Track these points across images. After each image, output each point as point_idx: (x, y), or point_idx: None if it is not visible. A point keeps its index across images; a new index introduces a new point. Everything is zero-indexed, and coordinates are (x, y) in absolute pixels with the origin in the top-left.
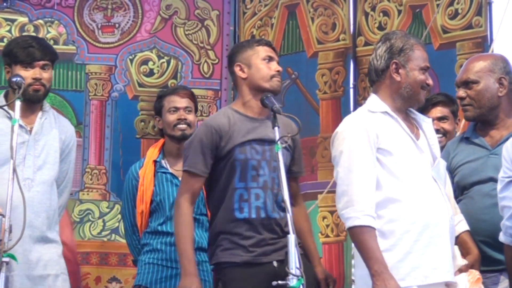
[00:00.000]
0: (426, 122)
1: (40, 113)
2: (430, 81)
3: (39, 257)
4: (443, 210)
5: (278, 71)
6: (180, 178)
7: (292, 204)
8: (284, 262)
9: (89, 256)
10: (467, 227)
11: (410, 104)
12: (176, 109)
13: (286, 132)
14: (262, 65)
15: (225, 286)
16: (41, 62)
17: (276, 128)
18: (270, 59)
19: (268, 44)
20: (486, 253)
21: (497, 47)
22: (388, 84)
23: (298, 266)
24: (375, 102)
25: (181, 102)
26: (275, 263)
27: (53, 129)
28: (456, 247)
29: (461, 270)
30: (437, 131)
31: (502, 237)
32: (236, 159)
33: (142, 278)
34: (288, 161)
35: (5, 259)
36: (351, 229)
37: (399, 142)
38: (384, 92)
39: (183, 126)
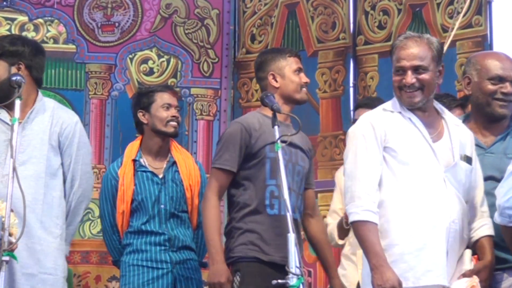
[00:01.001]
0: (456, 125)
1: (30, 109)
2: (406, 80)
3: (24, 253)
4: (443, 213)
5: (306, 82)
6: (160, 176)
7: (310, 216)
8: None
9: (89, 255)
10: (488, 232)
11: (405, 105)
12: (170, 106)
13: (306, 144)
14: (294, 77)
15: (243, 278)
16: None
17: (276, 127)
18: (300, 70)
19: (298, 55)
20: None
21: (496, 46)
22: None
23: (298, 265)
24: (392, 101)
25: (173, 100)
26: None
27: (44, 124)
28: (467, 251)
29: (464, 275)
30: None
31: (498, 218)
32: (267, 156)
33: (128, 281)
34: (306, 165)
35: (5, 257)
36: (353, 224)
37: (407, 143)
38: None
39: (175, 123)
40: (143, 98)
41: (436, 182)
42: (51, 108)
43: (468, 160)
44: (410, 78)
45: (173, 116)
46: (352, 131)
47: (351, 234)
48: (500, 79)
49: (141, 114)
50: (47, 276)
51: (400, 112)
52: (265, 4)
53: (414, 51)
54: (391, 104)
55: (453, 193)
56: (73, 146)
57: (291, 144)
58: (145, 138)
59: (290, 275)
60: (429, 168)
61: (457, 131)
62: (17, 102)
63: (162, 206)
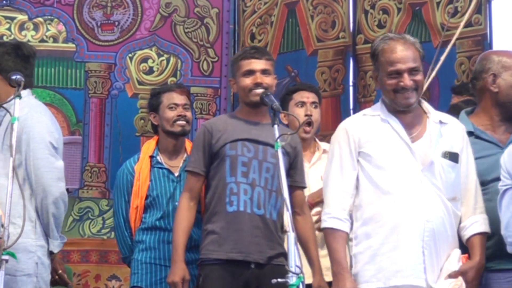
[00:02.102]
0: (443, 123)
1: None
2: (403, 83)
3: None
4: (417, 213)
5: (256, 83)
6: (176, 174)
7: (298, 214)
8: (262, 268)
9: (89, 254)
10: (479, 230)
11: (396, 108)
12: (176, 105)
13: (290, 141)
14: (243, 82)
15: (203, 282)
16: None
17: (275, 126)
18: (249, 72)
19: (251, 56)
20: (507, 251)
21: (496, 45)
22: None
23: (297, 264)
24: (376, 105)
25: (180, 99)
26: (252, 265)
27: (40, 125)
28: (455, 251)
29: (450, 276)
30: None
31: (509, 248)
32: (226, 154)
33: (140, 279)
34: (286, 165)
35: (5, 257)
36: (323, 230)
37: (383, 146)
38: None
39: (182, 122)
40: (152, 100)
41: (411, 183)
42: (14, 107)
43: (453, 156)
44: (408, 80)
45: (179, 116)
46: (332, 137)
47: None
48: None
49: (152, 116)
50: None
51: (379, 115)
52: (265, 3)
53: (407, 53)
54: (371, 109)
55: (431, 192)
56: (21, 143)
57: (257, 141)
58: (160, 139)
59: (290, 274)
60: (405, 170)
61: (437, 128)
62: (17, 101)
63: (177, 203)
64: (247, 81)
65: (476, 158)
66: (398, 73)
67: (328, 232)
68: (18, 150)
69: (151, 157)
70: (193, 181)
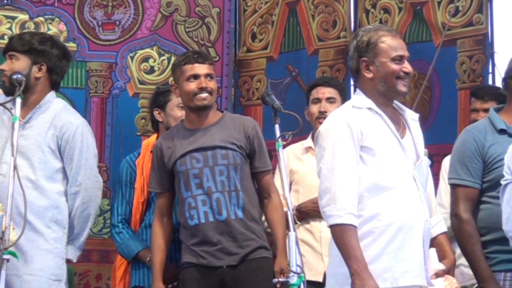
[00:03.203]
0: (413, 120)
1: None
2: (407, 69)
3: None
4: (419, 213)
5: (201, 88)
6: None
7: (265, 197)
8: (236, 267)
9: (90, 253)
10: (444, 229)
11: (391, 97)
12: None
13: (241, 131)
14: (186, 87)
15: (182, 284)
16: (9, 53)
17: (276, 126)
18: (194, 77)
19: (194, 60)
20: None
21: (497, 45)
22: (365, 82)
23: (298, 263)
24: (359, 98)
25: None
26: (224, 267)
27: (42, 126)
28: (433, 250)
29: (437, 275)
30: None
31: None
32: (178, 171)
33: (141, 279)
34: (237, 160)
35: (6, 256)
36: (333, 227)
37: (382, 141)
38: (365, 89)
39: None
40: (160, 97)
41: (408, 181)
42: (55, 110)
43: (429, 155)
44: (410, 67)
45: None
46: (325, 129)
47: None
48: None
49: (156, 112)
50: (29, 277)
51: (369, 109)
52: (266, 3)
53: (402, 42)
54: (358, 100)
55: (421, 190)
56: (73, 150)
57: (204, 148)
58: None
59: (291, 274)
60: (401, 167)
61: (414, 125)
62: (18, 101)
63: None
64: (192, 85)
65: None
66: (400, 59)
67: (344, 229)
68: (65, 154)
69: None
70: (160, 199)
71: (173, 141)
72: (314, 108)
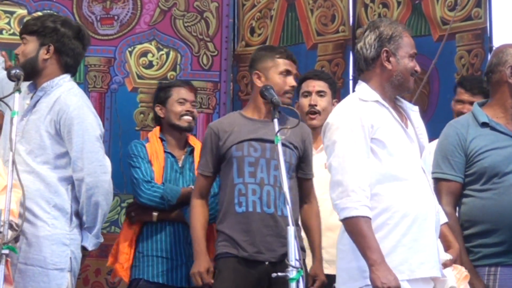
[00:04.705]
0: (413, 111)
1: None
2: (418, 68)
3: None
4: (430, 204)
5: (292, 86)
6: (179, 165)
7: (305, 203)
8: (276, 264)
9: None
10: (445, 219)
11: (400, 91)
12: (185, 101)
13: (299, 134)
14: (278, 80)
15: (219, 273)
16: (22, 36)
17: (275, 120)
18: (288, 73)
19: (289, 57)
20: None
21: (496, 39)
22: (378, 73)
23: (297, 258)
24: (365, 90)
25: (190, 95)
26: (266, 263)
27: (43, 110)
28: (439, 241)
29: (445, 265)
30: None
31: None
32: (233, 156)
33: (141, 272)
34: (292, 160)
35: (5, 251)
36: (348, 220)
37: (392, 133)
38: (374, 81)
39: (189, 118)
40: (161, 92)
41: (418, 172)
42: (59, 93)
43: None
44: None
45: (187, 111)
46: (335, 122)
47: None
48: None
49: (158, 108)
50: (22, 266)
51: (376, 101)
52: None
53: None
54: (365, 93)
55: (431, 181)
56: (71, 134)
57: (264, 140)
58: (164, 130)
59: (290, 268)
60: (411, 158)
61: (414, 116)
62: (16, 95)
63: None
64: (287, 80)
65: (491, 149)
66: (413, 57)
67: (360, 221)
68: (65, 139)
69: (161, 139)
70: (203, 182)
71: (232, 126)
72: (305, 101)
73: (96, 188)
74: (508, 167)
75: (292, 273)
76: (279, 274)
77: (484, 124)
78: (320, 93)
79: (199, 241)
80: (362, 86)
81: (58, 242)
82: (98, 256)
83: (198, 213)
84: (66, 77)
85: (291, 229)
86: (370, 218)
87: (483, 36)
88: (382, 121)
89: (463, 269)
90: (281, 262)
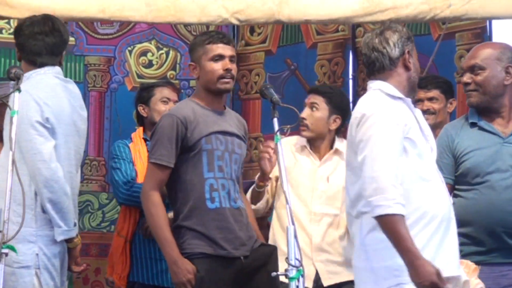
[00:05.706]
0: (418, 112)
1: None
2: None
3: None
4: (450, 204)
5: (226, 69)
6: None
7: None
8: (248, 257)
9: (89, 247)
10: None
11: (414, 92)
12: (168, 100)
13: (243, 129)
14: (209, 67)
15: (200, 277)
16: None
17: (275, 119)
18: (220, 57)
19: (221, 39)
20: (503, 245)
21: (496, 38)
22: (400, 73)
23: (297, 257)
24: (389, 88)
25: (173, 95)
26: (242, 258)
27: (28, 105)
28: None
29: None
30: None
31: None
32: (203, 149)
33: (136, 275)
34: (244, 153)
35: (5, 250)
36: (382, 217)
37: (419, 132)
38: (395, 80)
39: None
40: (143, 92)
41: (436, 174)
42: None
43: None
44: None
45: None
46: (371, 117)
47: (279, 204)
48: None
49: (141, 108)
50: None
51: (401, 99)
52: None
53: None
54: (390, 90)
55: (443, 180)
56: (12, 123)
57: (226, 133)
58: (147, 130)
59: (290, 267)
60: (430, 159)
61: (423, 118)
62: (16, 95)
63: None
64: (216, 66)
65: (475, 150)
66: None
67: (395, 219)
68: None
69: (145, 140)
70: (162, 174)
71: (195, 116)
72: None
73: (35, 178)
74: (490, 167)
75: (291, 272)
76: (279, 273)
77: (473, 124)
78: (313, 105)
79: (171, 244)
80: (382, 84)
81: (22, 240)
82: (98, 256)
83: (162, 210)
84: (36, 71)
85: (291, 228)
86: (404, 216)
87: (483, 35)
88: (411, 120)
89: (469, 262)
90: (251, 254)
